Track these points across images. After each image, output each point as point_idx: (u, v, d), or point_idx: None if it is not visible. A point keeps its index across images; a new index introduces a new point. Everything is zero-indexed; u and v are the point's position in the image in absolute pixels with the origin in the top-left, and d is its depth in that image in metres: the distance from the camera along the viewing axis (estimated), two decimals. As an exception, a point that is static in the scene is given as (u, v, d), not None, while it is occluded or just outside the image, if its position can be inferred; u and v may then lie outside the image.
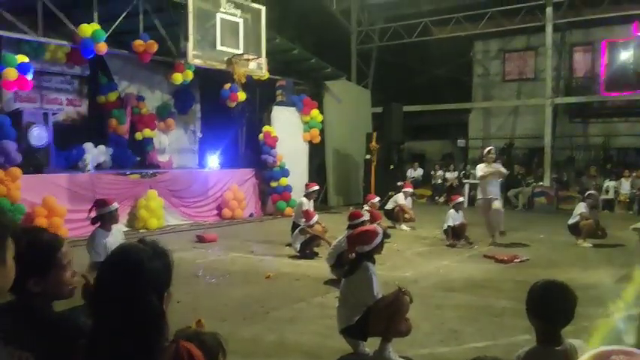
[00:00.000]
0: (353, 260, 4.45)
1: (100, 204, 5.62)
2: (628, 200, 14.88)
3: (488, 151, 9.66)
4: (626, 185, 15.04)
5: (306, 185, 9.83)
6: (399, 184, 13.41)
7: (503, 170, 9.87)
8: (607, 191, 15.34)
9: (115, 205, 5.68)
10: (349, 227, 6.63)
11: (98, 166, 11.60)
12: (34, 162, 9.55)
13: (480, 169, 9.56)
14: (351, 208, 14.40)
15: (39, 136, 9.80)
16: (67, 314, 2.00)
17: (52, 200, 9.11)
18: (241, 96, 12.18)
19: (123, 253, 1.54)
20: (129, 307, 1.44)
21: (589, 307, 5.62)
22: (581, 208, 9.79)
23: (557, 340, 2.40)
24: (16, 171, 8.68)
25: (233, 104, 12.50)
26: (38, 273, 1.86)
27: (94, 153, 11.75)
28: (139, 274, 1.48)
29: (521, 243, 9.58)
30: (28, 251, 1.83)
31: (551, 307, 2.39)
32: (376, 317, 4.08)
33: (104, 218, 5.54)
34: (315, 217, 8.48)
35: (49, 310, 1.95)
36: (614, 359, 1.08)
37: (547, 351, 2.39)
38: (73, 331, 1.83)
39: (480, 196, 9.69)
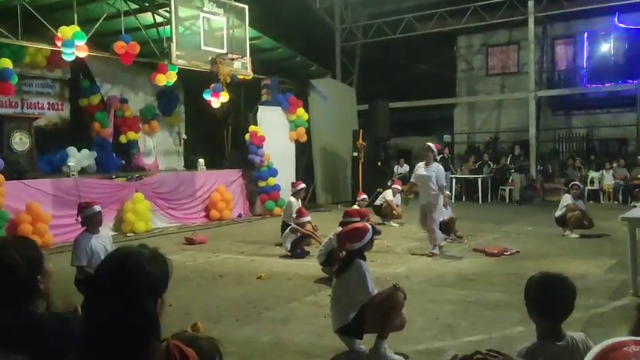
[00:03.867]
0: (344, 258, 4.41)
1: (83, 207, 5.61)
2: (612, 190, 15.05)
3: (427, 148, 8.26)
4: (608, 176, 15.21)
5: (293, 184, 9.80)
6: (388, 183, 13.45)
7: (441, 179, 8.16)
8: (592, 182, 15.51)
9: (97, 207, 5.63)
10: (341, 224, 6.61)
11: (82, 171, 11.44)
12: (16, 168, 9.38)
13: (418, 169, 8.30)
14: (339, 205, 14.42)
15: (21, 141, 9.65)
16: (61, 316, 2.05)
17: (36, 206, 8.96)
18: (224, 96, 12.07)
19: (123, 254, 1.52)
20: (124, 308, 1.42)
21: (580, 297, 5.65)
22: (567, 199, 9.89)
23: (558, 335, 2.35)
24: (-1, 177, 8.53)
25: (217, 104, 12.41)
26: (40, 271, 2.00)
27: (78, 157, 11.60)
28: (136, 275, 1.46)
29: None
30: (30, 253, 1.99)
31: (552, 302, 2.33)
32: (371, 315, 4.07)
33: (87, 221, 5.50)
34: (308, 217, 8.47)
35: (42, 313, 2.00)
36: (627, 350, 1.06)
37: (549, 346, 2.33)
38: (68, 332, 1.86)
39: (420, 200, 8.36)
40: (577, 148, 18.39)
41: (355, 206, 9.60)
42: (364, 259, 4.37)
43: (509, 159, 16.08)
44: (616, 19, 17.49)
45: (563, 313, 2.36)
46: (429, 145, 8.31)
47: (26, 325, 1.88)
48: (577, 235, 9.46)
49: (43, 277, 2.00)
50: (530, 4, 16.27)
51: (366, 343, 4.27)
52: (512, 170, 15.67)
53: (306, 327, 4.94)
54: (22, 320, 1.89)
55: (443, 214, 9.50)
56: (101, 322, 1.43)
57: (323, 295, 5.81)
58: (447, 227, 9.46)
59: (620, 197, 14.90)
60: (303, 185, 9.67)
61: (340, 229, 6.50)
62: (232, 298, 5.97)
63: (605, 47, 18.50)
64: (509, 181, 16.22)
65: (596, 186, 15.43)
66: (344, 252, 4.40)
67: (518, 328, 4.69)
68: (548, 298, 2.34)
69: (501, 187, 16.32)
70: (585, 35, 18.48)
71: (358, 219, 6.67)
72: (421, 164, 8.36)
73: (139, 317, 1.43)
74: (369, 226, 4.55)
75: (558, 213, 9.87)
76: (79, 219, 5.51)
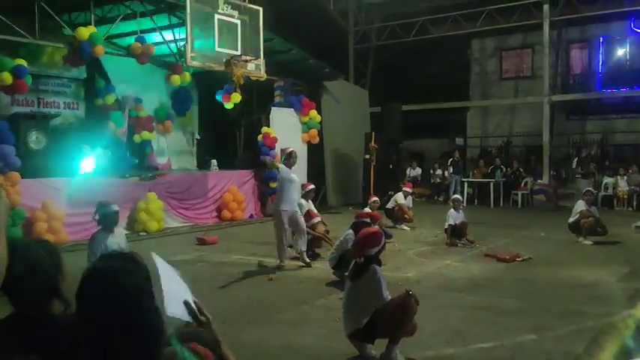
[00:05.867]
0: (360, 264, 4.40)
1: (101, 205, 5.66)
2: (626, 196, 14.90)
3: (290, 154, 7.83)
4: (622, 182, 15.07)
5: (303, 185, 9.79)
6: (400, 185, 13.40)
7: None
8: (606, 188, 15.37)
9: (115, 206, 5.68)
10: (352, 226, 6.59)
11: (96, 169, 11.53)
12: (32, 166, 9.50)
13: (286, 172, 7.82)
14: (350, 207, 14.43)
15: (37, 140, 9.76)
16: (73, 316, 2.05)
17: (51, 204, 9.06)
18: (235, 97, 12.09)
19: (102, 285, 1.48)
20: (127, 328, 1.43)
21: (592, 305, 5.62)
22: (580, 205, 9.79)
23: None
24: (15, 175, 8.62)
25: (229, 105, 12.45)
26: (61, 272, 2.06)
27: (93, 156, 11.69)
28: (128, 297, 1.46)
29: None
30: (54, 253, 2.06)
31: None
32: (384, 320, 4.07)
33: (104, 219, 5.55)
34: (318, 218, 8.47)
35: (59, 314, 2.02)
36: None
37: None
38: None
39: (284, 207, 7.71)
40: (591, 153, 18.24)
41: (367, 209, 9.60)
42: (380, 263, 4.39)
43: (574, 162, 15.40)
44: (632, 24, 17.34)
45: None
46: (295, 152, 7.97)
47: (44, 325, 1.91)
48: (590, 242, 9.38)
49: (63, 279, 2.05)
50: (546, 8, 16.18)
51: (376, 348, 4.27)
52: (579, 176, 15.08)
53: (317, 330, 4.95)
54: (41, 320, 1.92)
55: (455, 218, 9.51)
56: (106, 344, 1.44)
57: (334, 298, 5.82)
58: (458, 231, 9.46)
59: (635, 203, 14.75)
60: (312, 186, 9.66)
61: (351, 231, 6.52)
62: (243, 300, 5.99)
63: (621, 52, 18.36)
64: (531, 185, 16.14)
65: (610, 192, 15.28)
66: (362, 258, 4.37)
67: (530, 335, 4.67)
68: None
69: (513, 192, 16.22)
70: (600, 40, 18.33)
71: (368, 221, 6.68)
72: (285, 168, 7.82)
73: (145, 329, 1.45)
74: (381, 230, 4.60)
75: (572, 219, 9.78)
76: (96, 217, 5.55)
